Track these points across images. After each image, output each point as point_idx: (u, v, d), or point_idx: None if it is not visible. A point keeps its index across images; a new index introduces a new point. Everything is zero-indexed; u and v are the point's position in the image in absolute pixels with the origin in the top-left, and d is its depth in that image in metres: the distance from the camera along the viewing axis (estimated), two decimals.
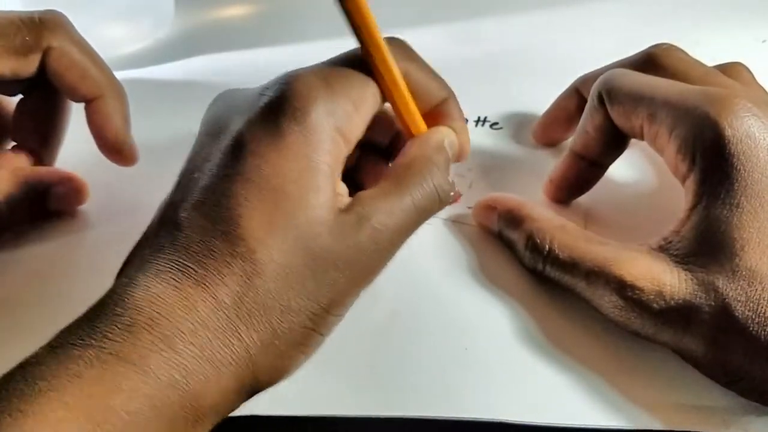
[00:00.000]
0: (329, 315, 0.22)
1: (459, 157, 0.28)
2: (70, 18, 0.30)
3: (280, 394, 0.25)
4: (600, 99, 0.28)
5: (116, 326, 0.18)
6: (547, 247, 0.26)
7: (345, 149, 0.23)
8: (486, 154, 0.34)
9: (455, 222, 0.31)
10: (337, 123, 0.22)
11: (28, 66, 0.28)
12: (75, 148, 0.32)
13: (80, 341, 0.18)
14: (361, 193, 0.23)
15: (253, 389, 0.21)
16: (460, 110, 0.28)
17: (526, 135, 0.34)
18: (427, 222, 0.30)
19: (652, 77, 0.27)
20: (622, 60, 0.31)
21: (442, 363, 0.26)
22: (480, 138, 0.34)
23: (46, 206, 0.30)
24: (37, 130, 0.31)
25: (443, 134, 0.26)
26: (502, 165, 0.33)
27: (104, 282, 0.21)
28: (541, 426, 0.24)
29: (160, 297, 0.19)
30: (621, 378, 0.25)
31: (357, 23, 0.23)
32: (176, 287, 0.19)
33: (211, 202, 0.21)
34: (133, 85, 0.36)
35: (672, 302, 0.23)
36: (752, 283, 0.22)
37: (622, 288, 0.23)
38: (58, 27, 0.29)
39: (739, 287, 0.22)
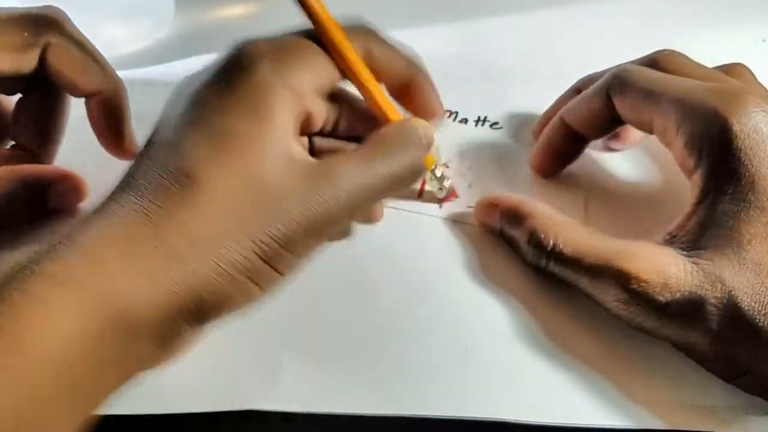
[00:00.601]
0: (282, 250, 0.22)
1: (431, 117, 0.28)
2: (71, 18, 0.30)
3: (281, 391, 0.25)
4: (607, 90, 0.28)
5: (55, 253, 0.19)
6: (551, 242, 0.26)
7: (298, 106, 0.23)
8: (486, 153, 0.34)
9: (455, 222, 0.31)
10: (287, 80, 0.23)
11: (28, 62, 0.28)
12: (74, 146, 0.32)
13: (13, 268, 0.19)
14: (331, 155, 0.24)
15: (199, 313, 0.20)
16: (431, 83, 0.28)
17: (526, 134, 0.34)
18: (426, 222, 0.30)
19: (663, 73, 0.28)
20: (624, 64, 0.31)
21: (443, 362, 0.26)
22: (480, 137, 0.34)
23: (45, 204, 0.30)
24: (36, 128, 0.31)
25: (418, 123, 0.26)
26: (502, 164, 0.33)
27: None
28: (542, 425, 0.24)
29: (102, 229, 0.20)
30: (622, 378, 0.25)
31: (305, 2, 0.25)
32: (120, 221, 0.20)
33: (165, 149, 0.22)
34: (133, 84, 0.36)
35: (677, 294, 0.23)
36: (759, 275, 0.23)
37: (627, 281, 0.24)
38: (56, 23, 0.29)
39: (745, 280, 0.23)
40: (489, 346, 0.26)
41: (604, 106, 0.29)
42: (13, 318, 0.17)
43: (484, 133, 0.35)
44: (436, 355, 0.26)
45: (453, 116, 0.35)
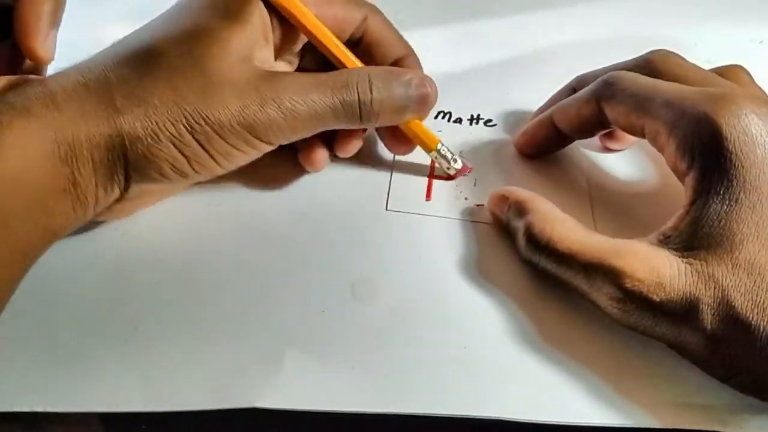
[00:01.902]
0: (214, 133, 0.25)
1: (425, 103, 0.30)
2: (71, 19, 0.30)
3: (282, 389, 0.25)
4: (596, 97, 0.29)
5: (23, 90, 0.23)
6: (545, 238, 0.26)
7: (272, 20, 0.27)
8: (485, 151, 0.34)
9: (456, 220, 0.31)
10: None
11: None
12: None
13: None
14: (292, 72, 0.28)
15: (128, 160, 0.24)
16: (420, 65, 0.31)
17: (521, 130, 0.35)
18: (427, 221, 0.31)
19: (652, 79, 0.28)
20: (619, 63, 0.31)
21: (442, 361, 0.26)
22: (476, 136, 0.34)
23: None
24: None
25: (403, 70, 0.29)
26: (503, 162, 0.33)
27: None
28: (540, 424, 0.25)
29: (69, 77, 0.24)
30: (619, 377, 0.26)
31: None
32: (85, 75, 0.24)
33: (141, 31, 0.26)
34: None
35: (671, 294, 0.23)
36: (751, 274, 0.23)
37: (621, 279, 0.24)
38: None
39: (738, 279, 0.23)
40: (487, 344, 0.26)
41: (593, 112, 0.29)
42: None
43: (480, 131, 0.35)
44: (435, 354, 0.26)
45: (446, 117, 0.35)
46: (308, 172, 0.31)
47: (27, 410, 0.24)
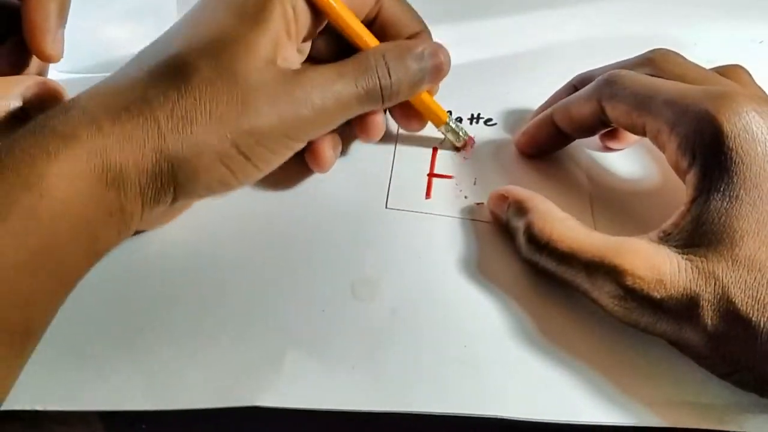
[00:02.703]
0: (255, 143, 0.25)
1: (439, 72, 0.30)
2: (72, 19, 0.30)
3: (283, 388, 0.25)
4: (598, 95, 0.29)
5: (65, 115, 0.23)
6: (546, 237, 0.26)
7: (291, 15, 0.26)
8: (486, 150, 0.34)
9: (455, 219, 0.31)
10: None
11: None
12: None
13: (31, 125, 0.23)
14: (313, 65, 0.27)
15: (175, 182, 0.24)
16: (432, 40, 0.31)
17: (521, 130, 0.35)
18: (426, 219, 0.31)
19: (653, 78, 0.28)
20: (619, 62, 0.31)
21: (442, 360, 0.26)
22: (477, 135, 0.34)
23: (27, 115, 0.28)
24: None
25: (414, 42, 0.30)
26: (503, 161, 0.33)
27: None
28: (540, 422, 0.25)
29: (106, 97, 0.24)
30: (619, 375, 0.26)
31: None
32: (121, 92, 0.24)
33: (167, 40, 0.26)
34: None
35: (672, 291, 0.23)
36: (752, 271, 0.23)
37: (622, 277, 0.24)
38: None
39: (738, 275, 0.23)
40: (488, 343, 0.27)
41: (594, 111, 0.29)
42: (31, 165, 0.21)
43: (480, 130, 0.35)
44: (435, 353, 0.26)
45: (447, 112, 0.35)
46: (308, 172, 0.32)
47: (28, 409, 0.24)
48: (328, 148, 0.30)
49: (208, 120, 0.24)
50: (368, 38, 0.29)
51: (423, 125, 0.32)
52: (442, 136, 0.33)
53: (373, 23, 0.30)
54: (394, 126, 0.34)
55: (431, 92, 0.32)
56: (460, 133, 0.33)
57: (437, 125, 0.32)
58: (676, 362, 0.25)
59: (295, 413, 0.25)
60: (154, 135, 0.23)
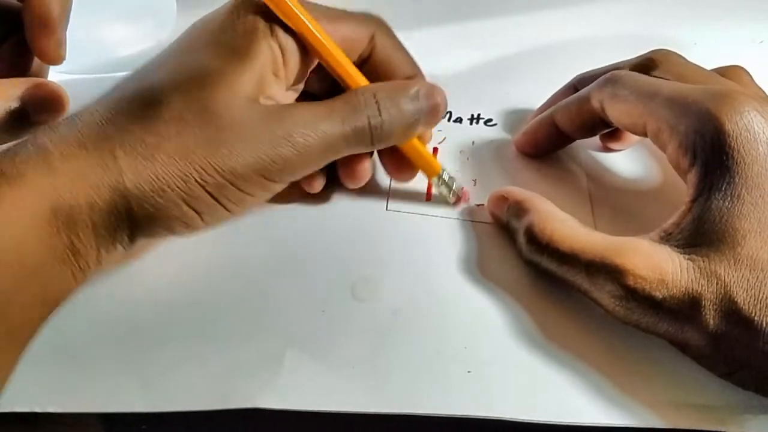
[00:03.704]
0: (228, 184, 0.23)
1: (436, 115, 0.28)
2: (72, 19, 0.30)
3: (283, 389, 0.25)
4: (598, 95, 0.29)
5: (14, 153, 0.21)
6: (546, 237, 0.26)
7: (278, 55, 0.25)
8: (485, 150, 0.34)
9: (456, 220, 0.31)
10: (275, 31, 0.25)
11: None
12: None
13: None
14: (299, 103, 0.26)
15: (132, 222, 0.22)
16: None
17: (522, 130, 0.35)
18: (427, 221, 0.31)
19: (653, 78, 0.28)
20: (620, 62, 0.31)
21: (442, 361, 0.26)
22: (477, 135, 0.34)
23: (27, 117, 0.28)
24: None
25: (408, 82, 0.28)
26: (503, 161, 0.33)
27: None
28: (540, 424, 0.25)
29: (63, 134, 0.22)
30: (619, 376, 0.26)
31: None
32: (80, 128, 0.22)
33: (141, 73, 0.24)
34: None
35: (674, 290, 0.23)
36: (754, 270, 0.23)
37: (623, 277, 0.24)
38: None
39: (741, 274, 0.23)
40: (488, 344, 0.26)
41: (595, 111, 0.29)
42: None
43: (480, 130, 0.35)
44: (435, 354, 0.26)
45: (447, 116, 0.35)
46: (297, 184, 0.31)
47: (27, 410, 0.24)
48: (319, 176, 0.29)
49: (173, 157, 0.22)
50: (359, 79, 0.27)
51: (413, 176, 0.30)
52: (441, 136, 0.33)
53: (365, 64, 0.29)
54: None
55: (424, 139, 0.30)
56: (453, 187, 0.30)
57: (429, 177, 0.30)
58: (677, 363, 0.25)
59: (294, 414, 0.25)
60: (111, 172, 0.22)
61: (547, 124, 0.32)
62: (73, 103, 0.31)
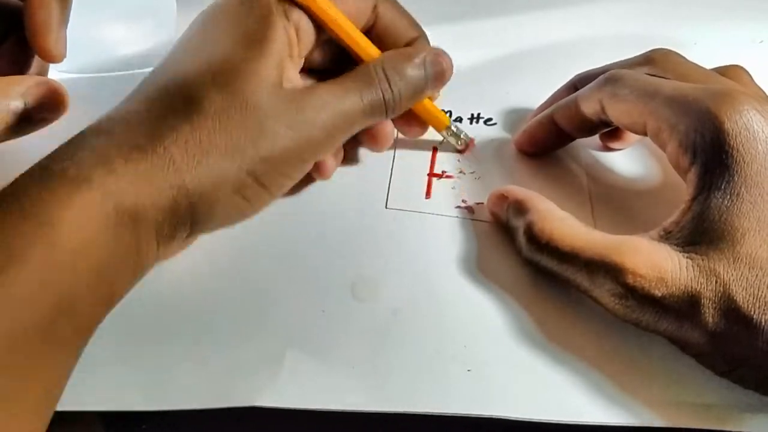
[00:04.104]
0: (270, 169, 0.25)
1: (442, 79, 0.30)
2: (72, 19, 0.30)
3: (283, 388, 0.25)
4: (598, 94, 0.29)
5: (73, 156, 0.22)
6: (546, 236, 0.26)
7: (293, 35, 0.27)
8: (486, 150, 0.34)
9: (455, 218, 0.31)
10: (288, 12, 0.26)
11: None
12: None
13: (34, 168, 0.22)
14: (315, 83, 0.27)
15: (193, 217, 0.23)
16: (429, 45, 0.31)
17: (521, 129, 0.35)
18: (426, 219, 0.31)
19: (653, 77, 0.28)
20: (620, 62, 0.31)
21: (442, 360, 0.26)
22: (477, 135, 0.34)
23: (28, 115, 0.27)
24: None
25: (414, 50, 0.29)
26: (504, 160, 0.33)
27: None
28: (540, 422, 0.25)
29: (114, 135, 0.23)
30: (619, 375, 0.26)
31: None
32: (129, 130, 0.23)
33: (171, 70, 0.25)
34: (135, 86, 0.37)
35: (673, 289, 0.23)
36: (753, 268, 0.23)
37: (623, 275, 0.24)
38: None
39: (740, 273, 0.23)
40: (488, 343, 0.26)
41: (595, 111, 0.29)
42: (42, 214, 0.20)
43: (480, 130, 0.35)
44: (435, 353, 0.26)
45: (447, 115, 0.35)
46: (309, 174, 0.31)
47: None
48: (329, 158, 0.30)
49: (224, 151, 0.23)
50: (370, 49, 0.29)
51: (424, 130, 0.32)
52: (442, 138, 0.33)
53: (370, 32, 0.30)
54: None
55: (432, 98, 0.32)
56: (461, 136, 0.33)
57: (439, 129, 0.32)
58: (677, 362, 0.25)
59: (294, 414, 0.25)
60: (170, 172, 0.22)
61: (547, 123, 0.32)
62: (73, 102, 0.31)
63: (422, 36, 0.31)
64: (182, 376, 0.25)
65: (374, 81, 0.27)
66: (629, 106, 0.27)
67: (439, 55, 0.29)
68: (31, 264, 0.19)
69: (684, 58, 0.30)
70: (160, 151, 0.23)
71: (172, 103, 0.24)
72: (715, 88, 0.26)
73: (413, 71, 0.29)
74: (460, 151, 0.33)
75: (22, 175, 0.21)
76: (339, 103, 0.26)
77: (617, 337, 0.26)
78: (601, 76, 0.29)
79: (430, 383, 0.25)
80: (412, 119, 0.31)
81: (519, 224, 0.28)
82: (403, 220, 0.31)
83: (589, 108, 0.29)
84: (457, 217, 0.31)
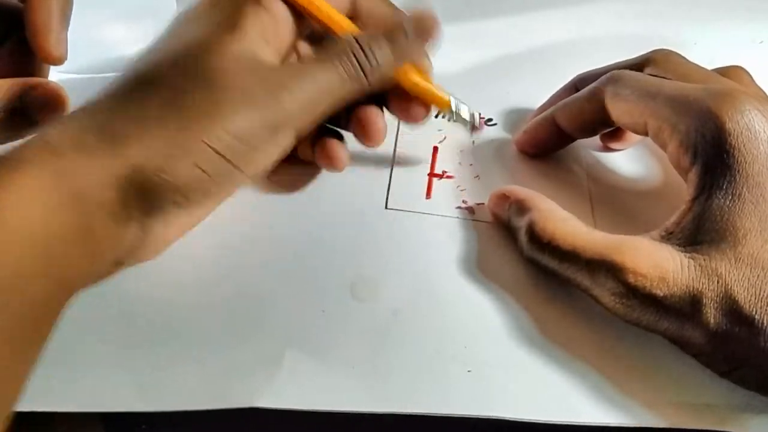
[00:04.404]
0: (231, 138, 0.23)
1: (425, 33, 0.28)
2: (72, 19, 0.30)
3: (282, 389, 0.25)
4: (600, 94, 0.29)
5: (24, 145, 0.21)
6: (548, 236, 0.26)
7: (269, 19, 0.26)
8: (485, 150, 0.34)
9: (456, 219, 0.31)
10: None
11: None
12: None
13: None
14: (287, 63, 0.27)
15: (146, 195, 0.22)
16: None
17: (522, 129, 0.35)
18: (427, 220, 0.31)
19: (655, 77, 0.28)
20: (620, 62, 0.31)
21: (442, 361, 0.26)
22: (478, 135, 0.34)
23: (27, 117, 0.28)
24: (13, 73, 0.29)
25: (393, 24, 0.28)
26: (504, 161, 0.33)
27: None
28: (539, 423, 0.25)
29: (67, 122, 0.22)
30: (619, 376, 0.26)
31: None
32: (84, 114, 0.23)
33: (138, 58, 0.25)
34: None
35: (675, 288, 0.23)
36: (755, 268, 0.23)
37: (624, 274, 0.24)
38: None
39: (741, 273, 0.23)
40: (488, 344, 0.26)
41: (596, 111, 0.29)
42: None
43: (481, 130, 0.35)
44: (435, 354, 0.26)
45: (446, 116, 0.35)
46: (309, 174, 0.31)
47: (27, 410, 0.24)
48: (337, 143, 0.30)
49: (179, 125, 0.22)
50: (345, 23, 0.28)
51: (426, 113, 0.30)
52: (441, 135, 0.33)
53: (352, 21, 0.29)
54: (393, 127, 0.34)
55: (424, 69, 0.29)
56: (467, 117, 0.30)
57: (442, 108, 0.30)
58: (676, 363, 0.25)
59: (294, 414, 0.25)
60: (116, 146, 0.22)
61: (548, 123, 0.32)
62: (73, 102, 0.31)
63: (407, 20, 0.29)
64: (182, 377, 0.25)
65: (347, 48, 0.26)
66: (630, 105, 0.27)
67: (421, 10, 0.28)
68: None
69: (684, 58, 0.30)
70: (109, 132, 0.22)
71: (130, 88, 0.23)
72: (717, 88, 0.26)
73: (391, 32, 0.27)
74: (472, 130, 0.31)
75: None
76: (312, 73, 0.25)
77: (617, 337, 0.26)
78: (603, 77, 0.29)
79: (430, 384, 0.25)
80: (410, 101, 0.29)
81: (521, 224, 0.28)
82: (403, 221, 0.31)
83: (591, 107, 0.29)
84: (457, 217, 0.31)
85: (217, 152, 0.23)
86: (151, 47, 0.25)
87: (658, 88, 0.27)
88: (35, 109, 0.27)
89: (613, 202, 0.31)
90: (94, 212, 0.21)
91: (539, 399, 0.25)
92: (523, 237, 0.28)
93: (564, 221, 0.27)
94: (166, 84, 0.23)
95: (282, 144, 0.25)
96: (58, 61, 0.28)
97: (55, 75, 0.34)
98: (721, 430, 0.24)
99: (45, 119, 0.28)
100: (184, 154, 0.23)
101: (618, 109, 0.28)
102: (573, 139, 0.32)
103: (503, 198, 0.29)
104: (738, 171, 0.24)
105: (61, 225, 0.20)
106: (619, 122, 0.29)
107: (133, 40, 0.38)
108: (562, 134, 0.31)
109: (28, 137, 0.22)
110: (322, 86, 0.26)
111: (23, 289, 0.19)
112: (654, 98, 0.27)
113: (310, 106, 0.25)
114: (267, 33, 0.26)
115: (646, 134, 0.28)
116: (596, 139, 0.33)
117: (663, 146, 0.27)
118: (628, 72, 0.29)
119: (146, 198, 0.22)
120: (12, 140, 0.28)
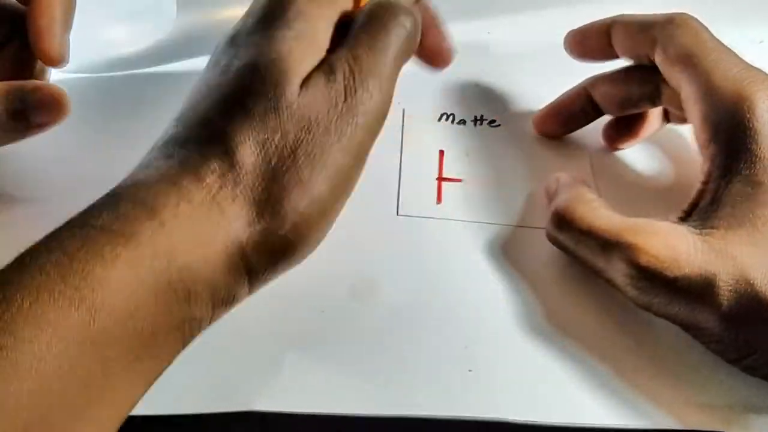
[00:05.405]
0: (326, 193, 0.22)
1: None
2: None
3: (282, 391, 0.25)
4: (655, 28, 0.28)
5: (104, 205, 0.20)
6: (569, 216, 0.26)
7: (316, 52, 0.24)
8: (493, 151, 0.34)
9: (467, 222, 0.31)
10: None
11: None
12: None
13: (69, 223, 0.19)
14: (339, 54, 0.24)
15: (248, 268, 0.21)
16: (440, 22, 0.29)
17: (526, 129, 0.35)
18: (438, 224, 0.30)
19: (708, 35, 0.28)
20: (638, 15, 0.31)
21: (443, 361, 0.26)
22: (482, 137, 0.34)
23: (27, 120, 0.27)
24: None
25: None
26: (512, 160, 0.33)
27: None
28: (542, 425, 0.24)
29: (159, 186, 0.20)
30: (622, 377, 0.26)
31: None
32: (174, 179, 0.20)
33: (199, 105, 0.23)
34: (135, 85, 0.37)
35: (687, 270, 0.23)
36: None
37: (636, 255, 0.24)
38: None
39: (757, 258, 0.23)
40: (489, 344, 0.26)
41: (642, 48, 0.29)
42: (79, 272, 0.18)
43: (484, 132, 0.35)
44: (435, 354, 0.26)
45: (450, 119, 0.35)
46: None
47: None
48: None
49: (270, 190, 0.21)
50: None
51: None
52: (446, 139, 0.33)
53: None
54: (396, 128, 0.34)
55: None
56: None
57: None
58: (680, 363, 0.26)
59: (293, 417, 0.25)
60: (216, 221, 0.20)
61: (578, 95, 0.32)
62: (73, 101, 0.31)
63: (428, 10, 0.28)
64: (180, 380, 0.25)
65: (386, 10, 0.24)
66: (679, 54, 0.27)
67: None
68: (62, 342, 0.17)
69: (702, 25, 0.29)
70: (208, 200, 0.20)
71: (201, 142, 0.21)
72: (753, 72, 0.26)
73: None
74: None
75: (57, 230, 0.19)
76: (381, 74, 0.23)
77: (620, 338, 0.26)
78: (662, 15, 0.29)
79: (430, 386, 0.25)
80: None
81: (552, 206, 0.28)
82: (414, 226, 0.30)
83: (639, 42, 0.29)
84: (470, 221, 0.31)
85: (318, 217, 0.23)
86: (206, 91, 0.23)
87: (702, 52, 0.27)
88: (36, 112, 0.27)
89: (620, 200, 0.31)
90: (199, 298, 0.20)
91: (540, 400, 0.25)
92: (550, 218, 0.28)
93: (587, 203, 0.27)
94: (250, 155, 0.21)
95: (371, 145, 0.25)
96: (60, 64, 0.28)
97: (55, 75, 0.34)
98: (725, 431, 0.24)
99: (44, 121, 0.27)
100: (283, 225, 0.22)
101: (665, 53, 0.28)
102: (598, 116, 0.32)
103: (553, 182, 0.30)
104: (759, 157, 0.24)
105: (164, 314, 0.19)
106: (660, 67, 0.28)
107: (133, 40, 0.38)
108: (586, 109, 0.32)
109: (119, 193, 0.20)
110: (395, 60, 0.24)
111: (110, 386, 0.18)
112: (696, 62, 0.27)
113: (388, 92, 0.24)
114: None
115: (677, 92, 0.28)
116: (601, 140, 0.33)
117: (688, 113, 0.27)
118: (688, 16, 0.28)
119: (248, 271, 0.22)
120: (12, 143, 0.28)
